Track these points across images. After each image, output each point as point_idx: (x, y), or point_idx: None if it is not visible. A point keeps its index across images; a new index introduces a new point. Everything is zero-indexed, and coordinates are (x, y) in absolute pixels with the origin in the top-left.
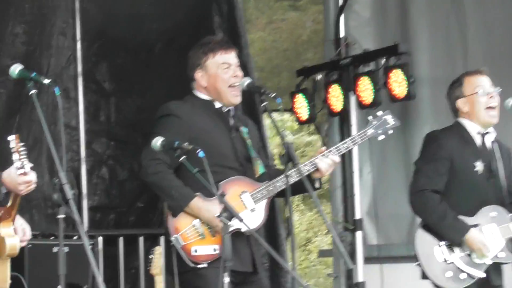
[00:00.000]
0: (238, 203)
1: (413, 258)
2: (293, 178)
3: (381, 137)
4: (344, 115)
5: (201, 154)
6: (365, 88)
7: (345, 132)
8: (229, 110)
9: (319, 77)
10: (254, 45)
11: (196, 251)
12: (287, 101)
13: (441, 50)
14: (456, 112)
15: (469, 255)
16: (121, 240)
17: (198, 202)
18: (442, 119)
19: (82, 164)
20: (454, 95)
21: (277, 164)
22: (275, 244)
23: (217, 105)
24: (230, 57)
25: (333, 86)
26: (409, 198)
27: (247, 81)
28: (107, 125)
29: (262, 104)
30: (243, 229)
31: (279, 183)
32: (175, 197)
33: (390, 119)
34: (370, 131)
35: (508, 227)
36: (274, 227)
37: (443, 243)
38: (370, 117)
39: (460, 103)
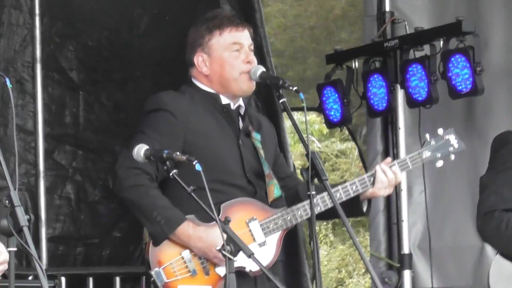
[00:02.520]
0: (244, 233)
1: None
2: (322, 203)
3: (440, 163)
4: (388, 115)
5: (198, 167)
6: (417, 80)
7: (390, 138)
8: (239, 107)
9: (356, 64)
10: (271, 22)
11: None
12: (313, 96)
13: None
14: None
15: None
16: (91, 282)
17: (187, 229)
18: None
19: (40, 180)
20: None
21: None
22: (297, 287)
23: (224, 100)
24: (243, 36)
25: (374, 76)
26: (476, 222)
27: (260, 69)
28: (73, 129)
29: (280, 101)
30: (248, 268)
31: (300, 212)
32: (158, 220)
33: (453, 141)
34: (426, 154)
35: None
36: (296, 264)
37: None
38: (427, 136)
39: None
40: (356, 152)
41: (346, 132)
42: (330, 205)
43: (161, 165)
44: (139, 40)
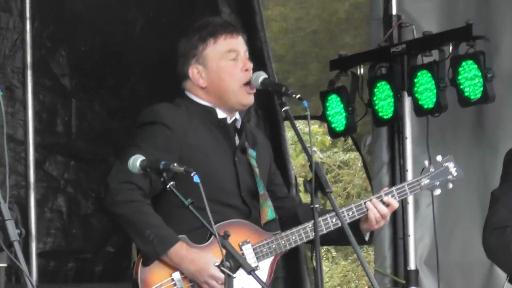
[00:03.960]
0: None
1: None
2: (326, 226)
3: (437, 192)
4: (395, 124)
5: (196, 179)
6: (425, 87)
7: (396, 148)
8: (235, 121)
9: (361, 70)
10: (272, 26)
11: None
12: (315, 104)
13: None
14: None
15: None
16: None
17: (181, 250)
18: None
19: (31, 192)
20: None
21: (301, 192)
22: None
23: (220, 114)
24: (238, 43)
25: (380, 83)
26: (483, 236)
27: (262, 76)
28: (65, 138)
29: (283, 109)
30: None
31: (295, 237)
32: (150, 239)
33: (452, 169)
34: (424, 182)
35: None
36: (297, 281)
37: None
38: (426, 163)
39: None
40: (359, 163)
41: (349, 142)
42: (333, 228)
43: (155, 179)
44: (134, 44)
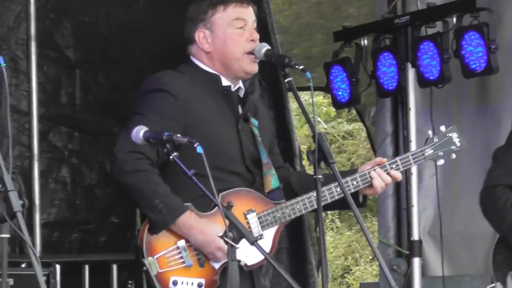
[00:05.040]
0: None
1: None
2: (330, 195)
3: (441, 162)
4: (399, 95)
5: (199, 149)
6: (429, 58)
7: (400, 119)
8: (239, 89)
9: (365, 42)
10: None
11: (175, 283)
12: (320, 75)
13: None
14: None
15: None
16: (87, 269)
17: (189, 219)
18: None
19: (35, 163)
20: None
21: (304, 163)
22: (302, 276)
23: (225, 82)
24: (247, 12)
25: (384, 54)
26: (479, 195)
27: (265, 47)
28: (69, 109)
29: (286, 80)
30: (243, 261)
31: (300, 206)
32: (159, 208)
33: (455, 139)
34: (428, 152)
35: None
36: (301, 251)
37: None
38: (430, 133)
39: None
40: (364, 134)
41: (354, 112)
42: (337, 197)
43: (161, 149)
44: (138, 17)
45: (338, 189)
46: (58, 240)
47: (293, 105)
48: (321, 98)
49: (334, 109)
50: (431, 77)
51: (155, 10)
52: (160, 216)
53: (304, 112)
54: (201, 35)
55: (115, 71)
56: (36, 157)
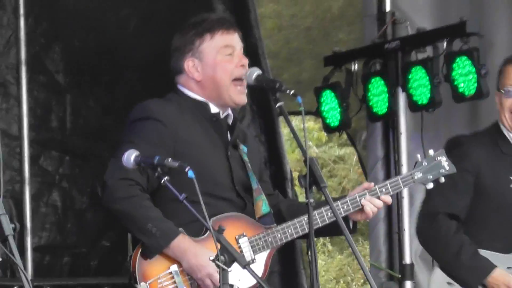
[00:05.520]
0: None
1: None
2: (321, 219)
3: (430, 186)
4: (389, 119)
5: (190, 174)
6: (419, 83)
7: (391, 143)
8: (227, 116)
9: (355, 66)
10: (266, 23)
11: None
12: (309, 100)
13: None
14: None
15: None
16: None
17: (184, 242)
18: None
19: (26, 186)
20: (496, 85)
21: (296, 188)
22: None
23: (213, 109)
24: (234, 39)
25: (374, 79)
26: (417, 222)
27: (256, 72)
28: (60, 133)
29: (277, 105)
30: (237, 286)
31: (291, 230)
32: (153, 232)
33: (444, 162)
34: (418, 175)
35: None
36: (293, 275)
37: None
38: (418, 156)
39: (496, 98)
40: (355, 158)
41: (345, 137)
42: (328, 221)
43: (151, 173)
44: (128, 41)
45: (329, 213)
46: (49, 263)
47: (284, 130)
48: (312, 124)
49: (325, 134)
50: (422, 102)
51: (145, 33)
52: (154, 240)
53: (295, 136)
54: (190, 64)
55: (105, 95)
56: (27, 181)
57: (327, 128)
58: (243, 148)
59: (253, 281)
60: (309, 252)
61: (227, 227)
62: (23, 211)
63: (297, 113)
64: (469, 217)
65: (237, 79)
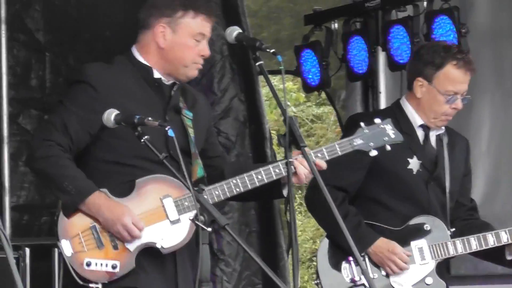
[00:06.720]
0: (156, 210)
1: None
2: (257, 179)
3: (373, 153)
4: (369, 78)
5: (170, 133)
6: (399, 42)
7: (370, 102)
8: (173, 83)
9: (335, 25)
10: None
11: (88, 264)
12: (289, 58)
13: None
14: (410, 86)
15: (387, 276)
16: (56, 253)
17: (99, 198)
18: (507, 85)
19: (4, 145)
20: (419, 67)
21: (274, 146)
22: (273, 259)
23: (156, 74)
24: (209, 28)
25: (354, 38)
26: (305, 192)
27: (236, 31)
28: (40, 92)
29: (257, 64)
30: (160, 244)
31: (218, 192)
32: (68, 189)
33: (389, 131)
34: (357, 142)
35: (442, 246)
36: (271, 235)
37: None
38: (362, 124)
39: (418, 84)
40: (332, 117)
41: (323, 96)
42: (236, 192)
43: (77, 136)
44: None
45: (259, 176)
46: (28, 223)
47: (263, 89)
48: (290, 84)
49: (303, 95)
50: (402, 61)
51: None
52: (70, 197)
53: (275, 96)
54: (160, 29)
55: (85, 53)
56: (5, 140)
57: (307, 87)
58: (187, 113)
59: (178, 240)
60: (287, 213)
61: (152, 187)
62: (1, 170)
63: (277, 72)
64: (366, 195)
65: (195, 63)
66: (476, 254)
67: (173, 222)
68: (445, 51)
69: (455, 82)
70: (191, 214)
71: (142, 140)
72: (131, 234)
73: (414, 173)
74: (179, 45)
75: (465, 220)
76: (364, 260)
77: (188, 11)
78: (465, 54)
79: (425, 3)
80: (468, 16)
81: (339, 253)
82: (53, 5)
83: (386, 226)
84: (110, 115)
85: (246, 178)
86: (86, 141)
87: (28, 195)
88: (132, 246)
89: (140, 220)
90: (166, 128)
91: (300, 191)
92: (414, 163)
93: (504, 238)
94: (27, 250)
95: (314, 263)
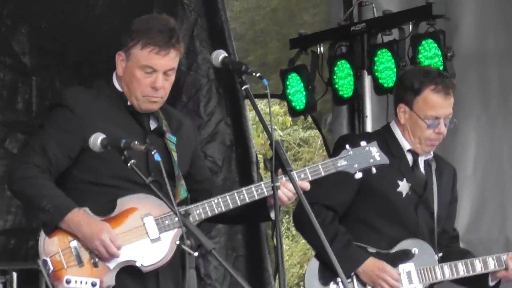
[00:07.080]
0: (137, 228)
1: None
2: (239, 199)
3: (358, 175)
4: (355, 102)
5: (157, 157)
6: (385, 65)
7: (356, 126)
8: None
9: (321, 49)
10: (232, 5)
11: (68, 281)
12: (275, 82)
13: (492, 16)
14: (395, 111)
15: None
16: (44, 277)
17: (78, 215)
18: (492, 108)
19: None
20: (401, 93)
21: (261, 170)
22: (260, 284)
23: (130, 101)
24: (162, 62)
25: (340, 62)
26: (294, 210)
27: (222, 54)
28: (26, 115)
29: (243, 88)
30: (140, 262)
31: (200, 211)
32: (46, 208)
33: (375, 153)
34: (341, 163)
35: (430, 270)
36: (258, 259)
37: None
38: (347, 145)
39: (401, 110)
40: (319, 141)
41: (309, 120)
42: (217, 211)
43: (56, 159)
44: (94, 23)
45: (241, 196)
46: (14, 247)
47: (250, 113)
48: (277, 108)
49: (290, 118)
50: (387, 85)
51: (111, 16)
52: (49, 216)
53: (261, 119)
54: (119, 57)
55: (72, 77)
56: None
57: (293, 111)
58: (171, 137)
59: (157, 259)
60: (274, 238)
61: (133, 206)
62: None
63: (263, 96)
64: (354, 216)
65: (146, 96)
66: (458, 279)
67: (153, 241)
68: (424, 75)
69: (435, 107)
70: (172, 232)
71: (129, 164)
72: (108, 251)
73: (404, 196)
74: (129, 75)
75: (446, 247)
76: (352, 281)
77: (138, 41)
78: (445, 78)
79: (410, 27)
80: (454, 39)
81: (328, 274)
82: (40, 29)
83: (374, 248)
84: (96, 140)
85: (228, 197)
86: (66, 164)
87: (15, 219)
88: (112, 264)
89: (117, 237)
90: (153, 153)
91: (287, 216)
92: (403, 186)
93: (491, 265)
94: (14, 275)
95: (302, 287)
